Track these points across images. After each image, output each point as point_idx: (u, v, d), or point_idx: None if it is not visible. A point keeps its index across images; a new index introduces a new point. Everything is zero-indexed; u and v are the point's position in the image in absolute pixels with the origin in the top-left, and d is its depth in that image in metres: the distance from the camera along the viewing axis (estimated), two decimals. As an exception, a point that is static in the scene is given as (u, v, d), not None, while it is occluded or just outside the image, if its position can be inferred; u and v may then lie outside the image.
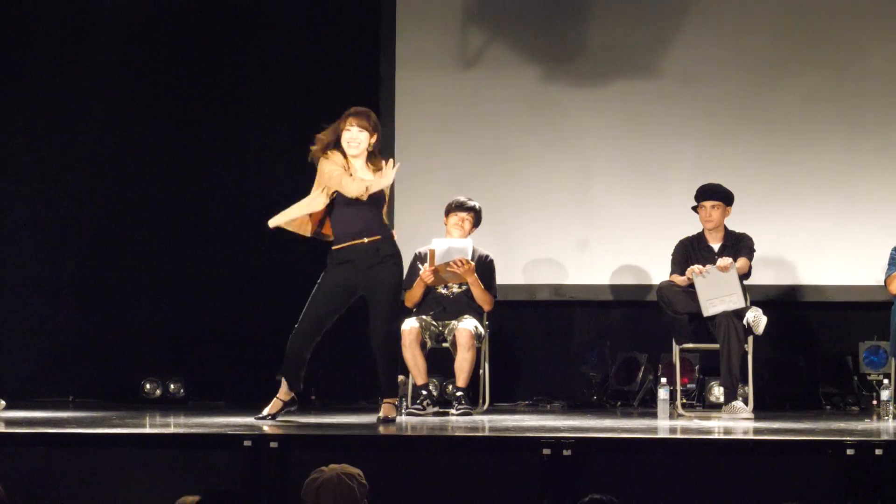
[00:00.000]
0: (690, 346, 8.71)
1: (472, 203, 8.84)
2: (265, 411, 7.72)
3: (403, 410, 8.60)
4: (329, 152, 7.69)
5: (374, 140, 7.70)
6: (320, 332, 7.79)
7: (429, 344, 8.70)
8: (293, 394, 7.77)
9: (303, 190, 10.19)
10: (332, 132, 7.75)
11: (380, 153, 7.76)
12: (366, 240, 7.63)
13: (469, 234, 8.80)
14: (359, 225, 7.63)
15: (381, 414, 7.75)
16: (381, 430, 7.33)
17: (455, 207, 8.84)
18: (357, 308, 10.10)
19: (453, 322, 8.69)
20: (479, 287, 8.75)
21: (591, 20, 9.91)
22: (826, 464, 6.21)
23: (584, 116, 9.88)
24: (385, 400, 7.78)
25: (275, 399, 7.77)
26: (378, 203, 7.68)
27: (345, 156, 7.68)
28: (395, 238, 7.81)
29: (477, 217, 8.85)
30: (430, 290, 8.84)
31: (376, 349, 7.71)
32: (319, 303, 7.73)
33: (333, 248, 7.73)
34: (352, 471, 4.73)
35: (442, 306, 8.82)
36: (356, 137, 7.68)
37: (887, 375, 9.15)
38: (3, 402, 8.65)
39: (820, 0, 9.76)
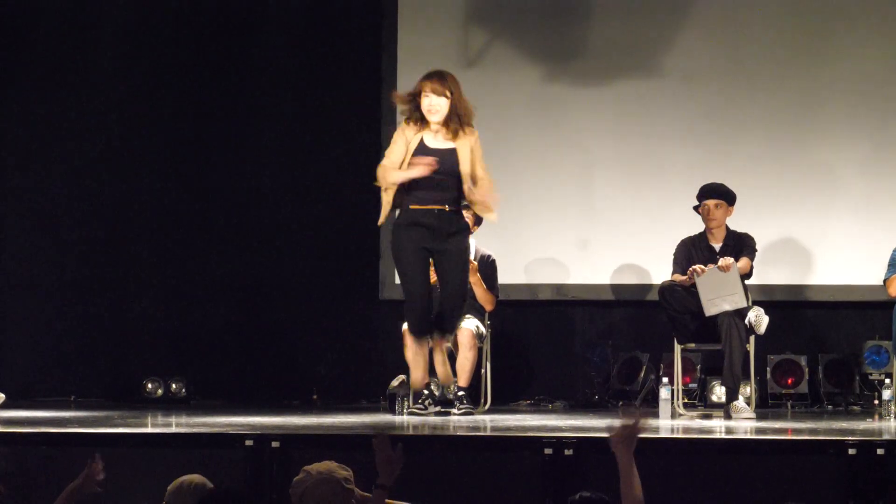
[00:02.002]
0: (692, 345, 8.71)
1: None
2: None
3: (405, 410, 8.60)
4: (407, 122, 7.45)
5: (456, 102, 7.36)
6: (431, 300, 7.55)
7: (430, 344, 8.69)
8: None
9: (302, 190, 10.23)
10: (407, 98, 7.47)
11: (465, 117, 7.39)
12: (435, 207, 7.36)
13: (470, 232, 8.78)
14: (426, 193, 7.36)
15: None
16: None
17: (455, 207, 8.82)
18: (357, 307, 10.14)
19: (455, 322, 8.69)
20: (482, 287, 8.74)
21: (592, 20, 9.91)
22: (828, 463, 6.22)
23: (586, 116, 9.88)
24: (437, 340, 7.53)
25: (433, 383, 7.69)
26: (458, 177, 7.39)
27: (423, 123, 7.41)
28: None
29: (474, 215, 8.82)
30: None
31: (445, 299, 7.47)
32: (414, 276, 7.42)
33: (410, 206, 7.41)
34: (340, 473, 4.68)
35: (444, 306, 8.81)
36: (435, 104, 7.40)
37: (889, 375, 9.14)
38: (3, 396, 8.65)
39: (819, 0, 9.76)
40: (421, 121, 7.45)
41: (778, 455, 6.41)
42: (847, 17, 9.70)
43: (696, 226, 8.83)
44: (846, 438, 6.30)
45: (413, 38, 10.06)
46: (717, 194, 8.70)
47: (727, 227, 8.74)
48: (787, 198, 9.65)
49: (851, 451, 6.18)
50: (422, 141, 7.43)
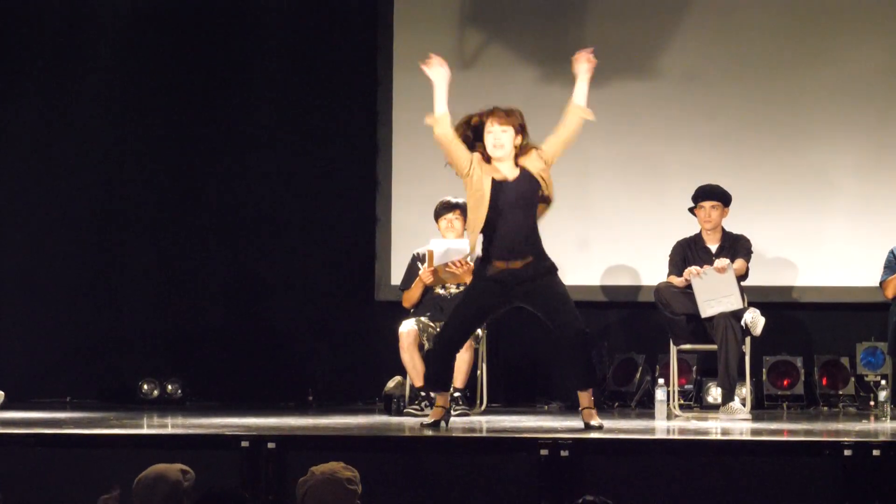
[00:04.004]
0: (688, 347, 8.72)
1: (456, 200, 8.82)
2: (430, 419, 7.43)
3: (401, 411, 8.60)
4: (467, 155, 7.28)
5: (519, 139, 7.29)
6: (466, 339, 7.58)
7: (426, 345, 8.69)
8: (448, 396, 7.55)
9: (300, 190, 10.23)
10: (465, 126, 7.30)
11: (530, 147, 7.32)
12: (518, 264, 7.25)
13: (464, 231, 8.79)
14: (510, 243, 7.24)
15: (584, 420, 7.27)
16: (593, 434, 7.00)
17: (442, 209, 8.82)
18: (353, 308, 10.14)
19: (451, 323, 8.68)
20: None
21: (588, 20, 9.91)
22: (823, 465, 6.22)
23: (582, 117, 9.86)
24: (580, 394, 7.31)
25: (435, 408, 7.48)
26: (532, 209, 7.33)
27: (486, 158, 7.29)
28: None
29: (465, 213, 8.82)
30: (427, 292, 8.83)
31: (568, 347, 7.27)
32: (470, 312, 7.36)
33: (482, 260, 7.31)
34: (344, 474, 4.68)
35: (439, 307, 8.81)
36: (499, 139, 7.27)
37: (885, 376, 9.17)
38: (2, 393, 8.64)
39: (818, 0, 9.77)
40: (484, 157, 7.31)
41: (774, 456, 6.41)
42: (844, 19, 9.70)
43: (692, 227, 8.84)
44: (842, 440, 6.30)
45: (409, 40, 10.05)
46: (713, 195, 8.71)
47: (723, 229, 8.75)
48: (782, 199, 9.66)
49: (847, 453, 6.19)
50: (493, 180, 7.27)
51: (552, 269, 7.40)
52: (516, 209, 7.29)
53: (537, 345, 9.99)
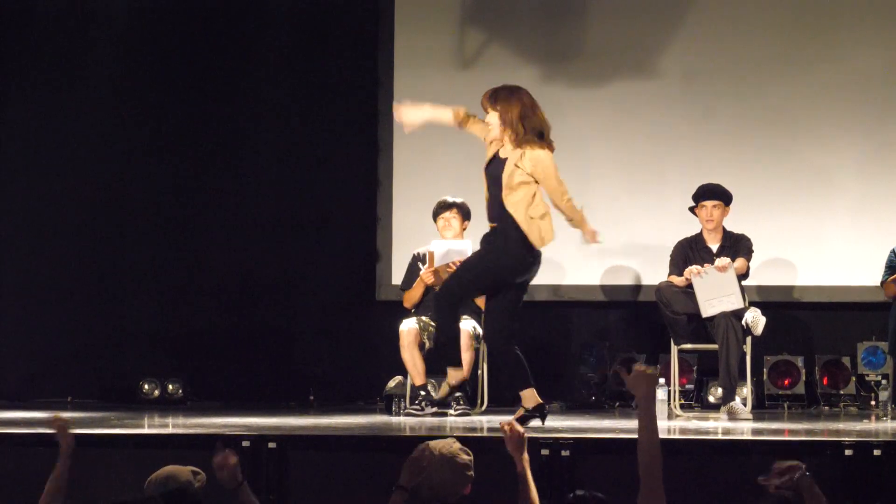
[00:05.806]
0: (689, 346, 8.71)
1: (452, 200, 8.81)
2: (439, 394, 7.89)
3: (402, 411, 8.60)
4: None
5: (512, 116, 7.34)
6: (465, 296, 7.79)
7: (427, 345, 8.69)
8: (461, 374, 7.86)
9: (301, 190, 10.23)
10: None
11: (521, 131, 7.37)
12: (496, 225, 7.42)
13: (462, 230, 8.78)
14: (492, 211, 7.45)
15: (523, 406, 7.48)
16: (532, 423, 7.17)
17: (439, 208, 8.82)
18: (354, 307, 10.14)
19: (451, 323, 8.68)
20: (478, 288, 8.73)
21: (589, 20, 9.91)
22: (824, 464, 6.21)
23: (583, 117, 9.87)
24: (522, 394, 7.50)
25: (443, 384, 7.92)
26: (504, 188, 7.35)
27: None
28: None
29: (463, 212, 8.82)
30: (428, 292, 8.83)
31: (489, 345, 7.64)
32: (476, 267, 7.63)
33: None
34: (463, 458, 4.57)
35: (440, 307, 8.81)
36: (488, 118, 7.45)
37: (885, 376, 9.17)
38: None
39: (817, 1, 9.77)
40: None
41: (775, 456, 6.39)
42: (845, 18, 9.70)
43: (692, 227, 8.84)
44: (843, 439, 6.30)
45: (409, 39, 10.06)
46: (714, 195, 8.71)
47: (724, 228, 8.75)
48: (783, 199, 9.66)
49: (848, 452, 6.19)
50: (496, 154, 7.50)
51: (506, 241, 7.40)
52: (498, 185, 7.39)
53: (538, 344, 9.99)
